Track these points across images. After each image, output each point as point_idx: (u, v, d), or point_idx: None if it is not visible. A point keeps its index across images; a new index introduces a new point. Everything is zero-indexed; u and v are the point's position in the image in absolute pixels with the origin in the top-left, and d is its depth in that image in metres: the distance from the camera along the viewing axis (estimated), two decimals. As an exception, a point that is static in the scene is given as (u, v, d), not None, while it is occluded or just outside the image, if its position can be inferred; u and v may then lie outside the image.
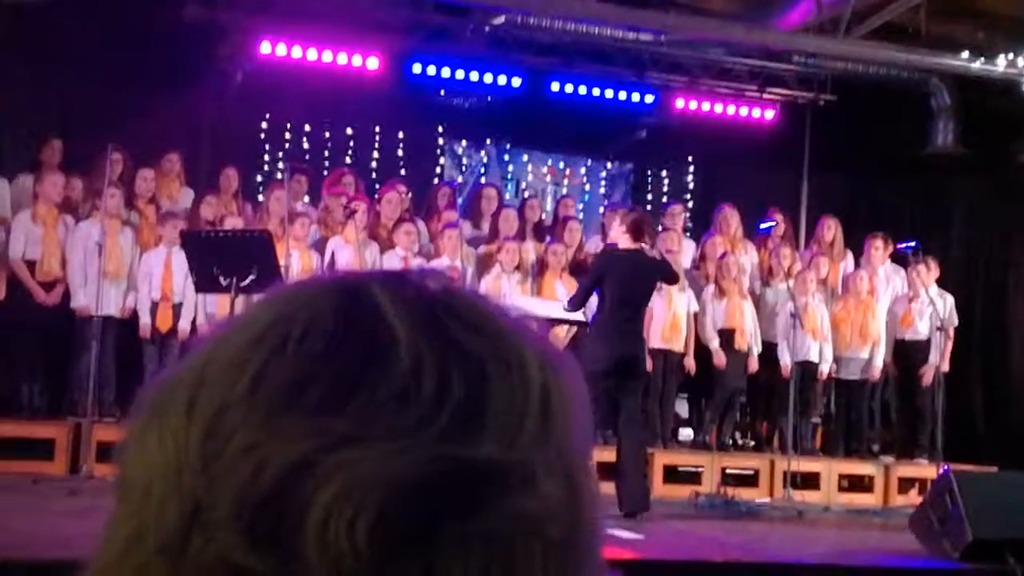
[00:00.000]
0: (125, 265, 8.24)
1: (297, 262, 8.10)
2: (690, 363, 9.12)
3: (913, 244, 9.01)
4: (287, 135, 10.80)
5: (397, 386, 0.52)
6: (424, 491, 0.50)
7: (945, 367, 9.41)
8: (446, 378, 0.52)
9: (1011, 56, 9.59)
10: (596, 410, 6.10)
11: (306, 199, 9.72)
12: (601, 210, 10.71)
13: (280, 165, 10.31)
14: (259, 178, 10.40)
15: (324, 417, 0.51)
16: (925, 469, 8.95)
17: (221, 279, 6.47)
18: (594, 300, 7.22)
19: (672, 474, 8.73)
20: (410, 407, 0.51)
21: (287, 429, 0.51)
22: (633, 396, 7.04)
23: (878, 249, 9.75)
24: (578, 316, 8.10)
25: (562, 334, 8.80)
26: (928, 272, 9.42)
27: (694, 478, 8.73)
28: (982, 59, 9.61)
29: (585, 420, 0.57)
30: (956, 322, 9.63)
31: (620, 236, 7.06)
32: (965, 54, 9.64)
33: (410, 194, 9.60)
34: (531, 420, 0.53)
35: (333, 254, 8.54)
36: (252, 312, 0.56)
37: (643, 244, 7.06)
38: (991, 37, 9.87)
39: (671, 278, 7.53)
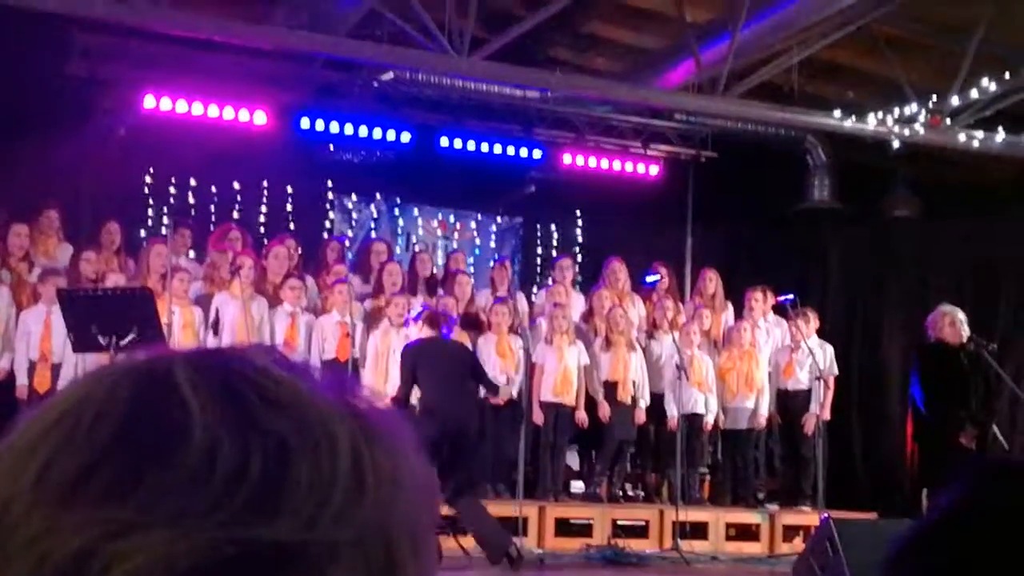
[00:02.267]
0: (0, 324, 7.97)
1: (178, 319, 7.95)
2: (581, 416, 9.19)
3: (791, 296, 9.28)
4: (172, 190, 10.61)
5: (189, 469, 0.50)
6: None
7: (826, 415, 9.66)
8: (243, 459, 0.51)
9: (880, 115, 10.00)
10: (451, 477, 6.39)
11: (191, 254, 9.56)
12: (491, 264, 10.78)
13: (164, 220, 10.13)
14: (143, 233, 10.19)
15: (109, 505, 0.49)
16: (809, 516, 9.14)
17: (100, 338, 6.31)
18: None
19: (564, 527, 8.75)
20: (202, 490, 0.50)
21: (70, 519, 0.49)
22: (466, 467, 7.52)
23: (758, 301, 10.02)
24: None
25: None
26: (807, 323, 9.70)
27: (585, 530, 8.77)
28: (853, 117, 10.01)
29: (418, 490, 0.56)
30: (836, 371, 9.92)
31: (421, 329, 7.92)
32: (837, 113, 10.03)
33: (299, 249, 9.53)
34: (338, 497, 0.52)
35: (218, 311, 8.41)
36: (54, 398, 0.55)
37: (438, 332, 7.88)
38: (861, 96, 10.30)
39: (485, 380, 8.16)
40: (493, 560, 7.16)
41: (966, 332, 7.86)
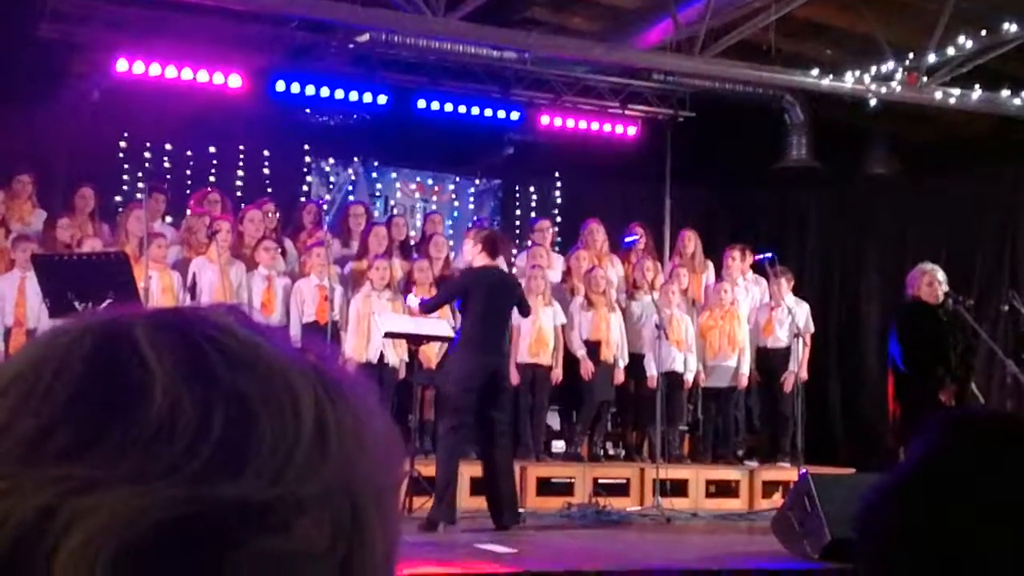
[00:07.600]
0: (-26, 291, 7.92)
1: (157, 283, 7.91)
2: (556, 374, 9.23)
3: (769, 255, 9.32)
4: (147, 154, 10.53)
5: (150, 427, 0.50)
6: (168, 534, 0.49)
7: (804, 373, 9.74)
8: (205, 417, 0.51)
9: (858, 73, 9.99)
10: (463, 425, 6.25)
11: (168, 219, 9.50)
12: (470, 226, 10.77)
13: (140, 185, 10.05)
14: (118, 198, 10.11)
15: (70, 462, 0.49)
16: (788, 472, 9.22)
17: (76, 304, 6.26)
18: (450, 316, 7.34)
19: (545, 486, 8.81)
20: (164, 448, 0.50)
21: (30, 478, 0.49)
22: (503, 409, 7.20)
23: (736, 260, 10.06)
24: (447, 332, 8.15)
25: (434, 350, 8.80)
26: (786, 281, 9.75)
27: (566, 489, 8.83)
28: (831, 76, 10.00)
29: (382, 448, 0.56)
30: (812, 329, 9.98)
31: (476, 255, 7.21)
32: (815, 71, 10.02)
33: (278, 213, 9.49)
34: (301, 454, 0.52)
35: (195, 275, 8.37)
36: (11, 359, 0.55)
37: (498, 261, 7.27)
38: (839, 55, 10.28)
39: (524, 307, 7.55)
40: (499, 524, 6.96)
41: (943, 291, 7.90)
